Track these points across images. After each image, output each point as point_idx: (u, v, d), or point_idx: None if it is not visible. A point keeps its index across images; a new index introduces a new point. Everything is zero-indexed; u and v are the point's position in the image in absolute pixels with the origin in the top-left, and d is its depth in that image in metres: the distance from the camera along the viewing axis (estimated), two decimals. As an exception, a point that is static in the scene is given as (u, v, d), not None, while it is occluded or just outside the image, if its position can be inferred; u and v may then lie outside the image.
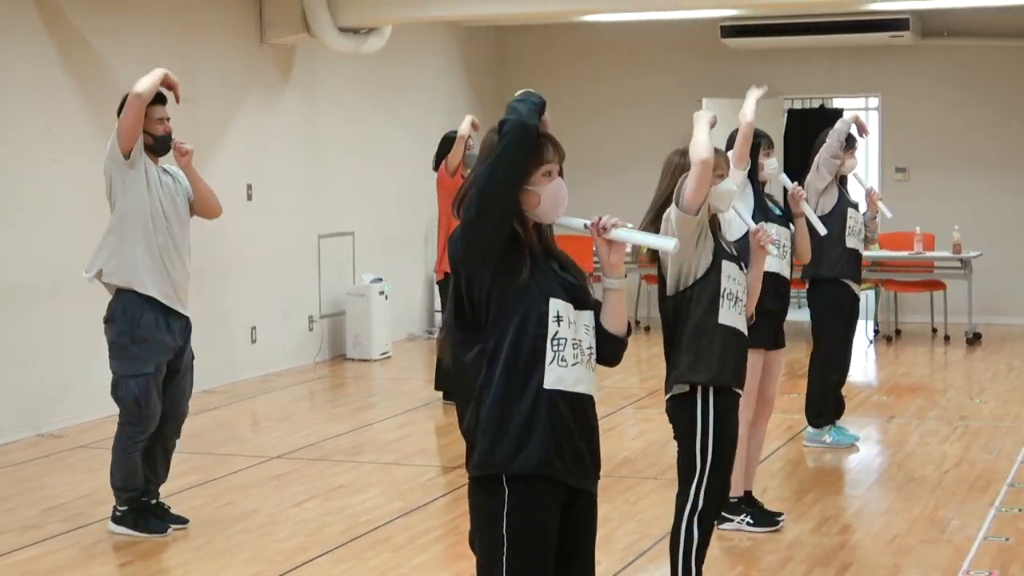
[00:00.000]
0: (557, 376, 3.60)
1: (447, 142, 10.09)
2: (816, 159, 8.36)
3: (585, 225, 3.66)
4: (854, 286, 8.40)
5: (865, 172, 15.56)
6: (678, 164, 5.14)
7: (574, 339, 3.62)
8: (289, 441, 9.02)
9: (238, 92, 11.35)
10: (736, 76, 14.89)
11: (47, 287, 9.37)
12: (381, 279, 12.61)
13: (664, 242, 3.89)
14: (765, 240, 5.38)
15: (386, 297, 12.56)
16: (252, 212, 11.40)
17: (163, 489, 6.95)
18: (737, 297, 5.15)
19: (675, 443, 5.25)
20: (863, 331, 13.11)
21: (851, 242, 8.31)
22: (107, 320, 6.71)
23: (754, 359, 6.56)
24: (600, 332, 3.73)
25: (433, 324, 14.02)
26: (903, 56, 14.51)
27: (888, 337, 13.57)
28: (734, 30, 14.40)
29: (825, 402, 8.52)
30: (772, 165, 6.88)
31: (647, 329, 13.88)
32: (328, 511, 7.23)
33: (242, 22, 11.42)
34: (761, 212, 6.68)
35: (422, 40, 14.04)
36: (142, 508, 6.77)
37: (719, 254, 5.12)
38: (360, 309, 12.43)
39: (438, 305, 12.20)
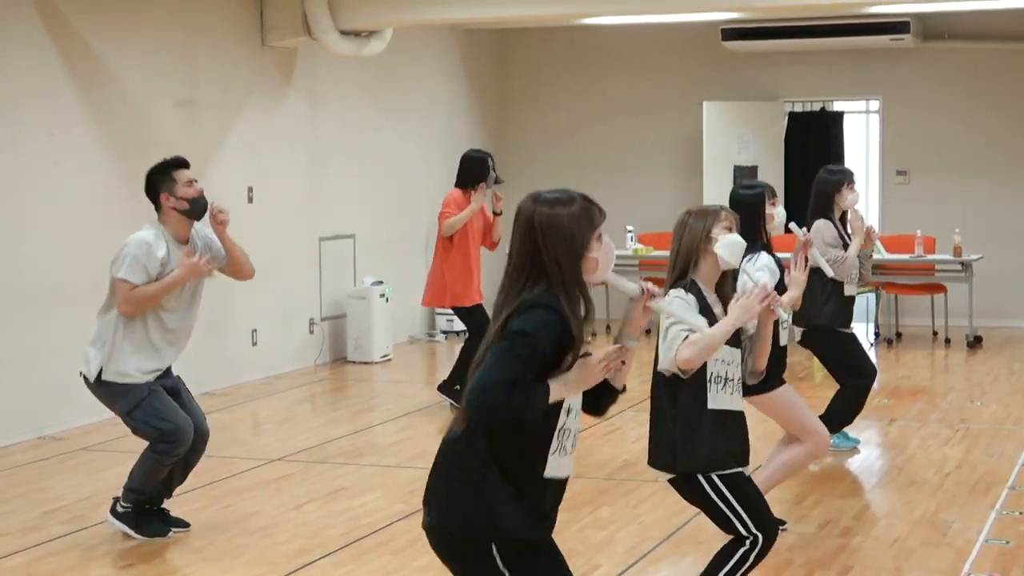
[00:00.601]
0: (556, 465, 3.67)
1: (470, 162, 9.87)
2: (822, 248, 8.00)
3: (642, 290, 3.76)
4: (846, 329, 8.33)
5: (866, 175, 15.64)
6: (686, 224, 5.03)
7: (577, 430, 3.69)
8: (290, 444, 9.03)
9: (239, 95, 11.35)
10: (737, 79, 14.94)
11: (48, 289, 9.38)
12: (382, 282, 12.61)
13: (701, 322, 3.96)
14: (775, 303, 4.98)
15: (387, 300, 12.56)
16: (253, 215, 11.39)
17: (163, 491, 6.96)
18: (726, 378, 4.95)
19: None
20: (864, 334, 13.13)
21: (848, 290, 8.23)
22: (83, 375, 6.72)
23: (782, 395, 6.46)
24: (601, 385, 3.75)
25: (434, 327, 14.03)
26: (904, 59, 14.52)
27: (889, 340, 13.57)
28: (735, 33, 14.41)
29: (848, 414, 8.40)
30: (781, 214, 6.68)
31: (647, 331, 13.87)
32: (329, 513, 7.23)
33: (243, 25, 11.42)
34: (771, 275, 6.37)
35: (423, 43, 14.05)
36: (144, 511, 6.77)
37: None
38: (361, 312, 12.43)
39: (439, 308, 12.09)
